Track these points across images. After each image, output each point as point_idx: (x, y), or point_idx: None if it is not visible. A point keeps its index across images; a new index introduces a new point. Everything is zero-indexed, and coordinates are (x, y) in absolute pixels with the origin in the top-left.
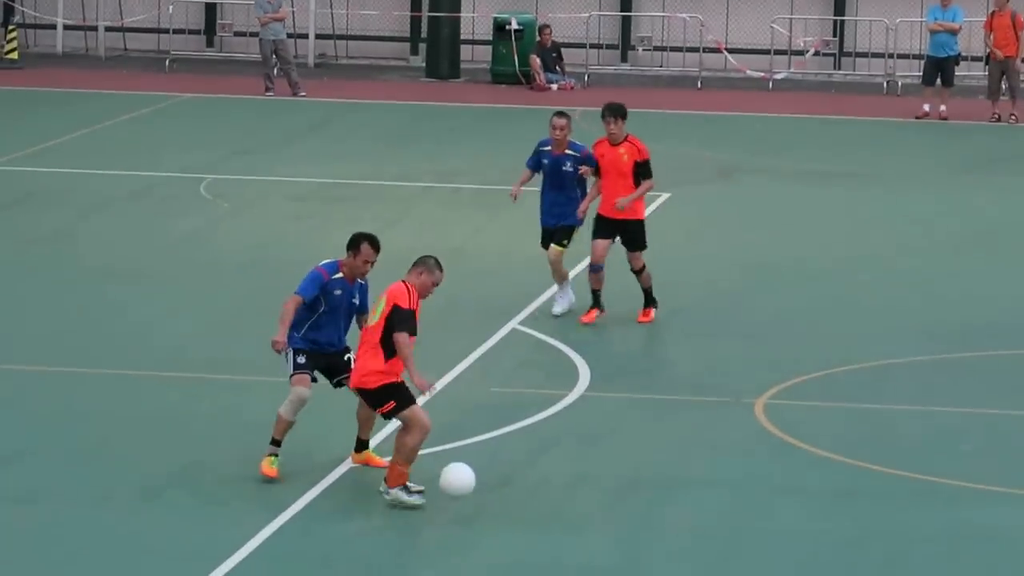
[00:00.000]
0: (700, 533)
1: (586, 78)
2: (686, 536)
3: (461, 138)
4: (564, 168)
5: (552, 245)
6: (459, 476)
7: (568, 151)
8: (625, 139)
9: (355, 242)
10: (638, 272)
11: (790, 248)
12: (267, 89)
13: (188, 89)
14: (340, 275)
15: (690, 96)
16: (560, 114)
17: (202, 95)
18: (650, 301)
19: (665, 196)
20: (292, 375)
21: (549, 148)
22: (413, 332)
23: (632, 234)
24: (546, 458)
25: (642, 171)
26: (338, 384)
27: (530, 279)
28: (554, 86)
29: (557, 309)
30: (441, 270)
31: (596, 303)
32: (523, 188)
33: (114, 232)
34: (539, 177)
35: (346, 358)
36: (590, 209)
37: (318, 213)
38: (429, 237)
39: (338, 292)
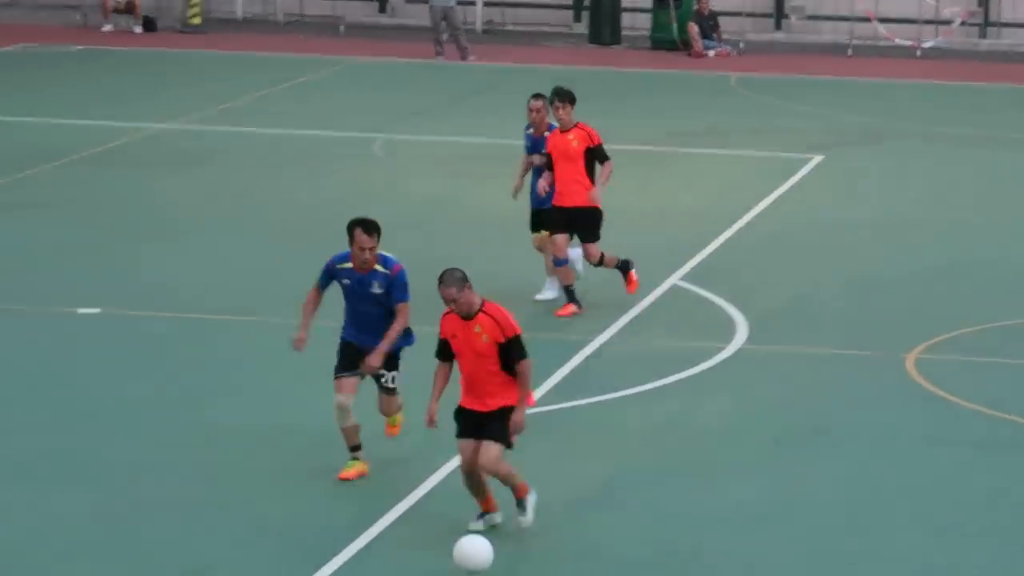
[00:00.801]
0: (851, 482)
1: (741, 45)
2: (838, 484)
3: (622, 102)
4: (543, 151)
5: (550, 233)
6: (474, 550)
7: (547, 134)
8: (575, 126)
9: (348, 230)
10: (599, 263)
11: (938, 208)
12: (437, 54)
13: (361, 53)
14: (348, 264)
15: (841, 63)
16: (536, 96)
17: (374, 59)
18: (627, 266)
19: (818, 159)
20: (334, 377)
21: (531, 131)
22: (437, 355)
23: (586, 223)
24: (704, 409)
25: (598, 155)
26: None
27: (690, 236)
28: (711, 53)
29: (549, 295)
30: (439, 285)
31: (571, 299)
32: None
33: (291, 189)
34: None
35: (380, 374)
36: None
37: (484, 172)
38: None
39: (346, 281)
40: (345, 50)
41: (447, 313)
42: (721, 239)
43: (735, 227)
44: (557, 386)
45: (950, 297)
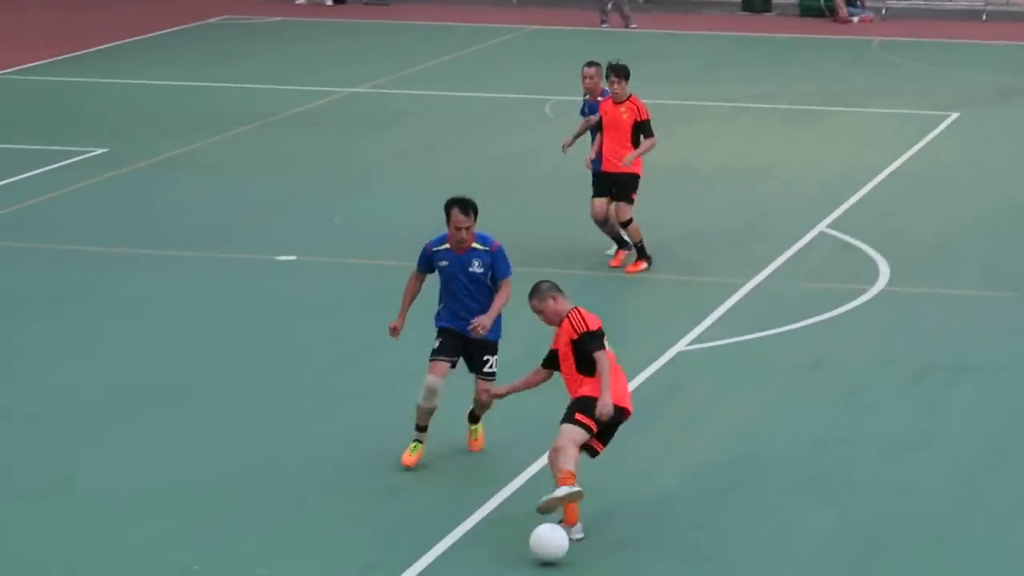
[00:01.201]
0: (987, 413)
1: (883, 12)
2: (974, 415)
3: (772, 65)
4: (597, 114)
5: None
6: (550, 540)
7: (599, 99)
8: (628, 99)
9: (445, 209)
10: (625, 224)
11: None
12: (602, 22)
13: (533, 22)
14: (446, 246)
15: (975, 28)
16: (589, 64)
17: (545, 27)
18: (642, 254)
19: (954, 116)
20: (429, 359)
21: (587, 96)
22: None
23: (622, 186)
24: (851, 345)
25: (643, 130)
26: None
27: (835, 188)
28: (855, 18)
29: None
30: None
31: (621, 245)
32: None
33: (471, 146)
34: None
35: (484, 358)
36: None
37: None
38: (744, 151)
39: (444, 263)
40: (518, 19)
41: None
42: (864, 190)
43: (877, 179)
44: (715, 324)
45: None
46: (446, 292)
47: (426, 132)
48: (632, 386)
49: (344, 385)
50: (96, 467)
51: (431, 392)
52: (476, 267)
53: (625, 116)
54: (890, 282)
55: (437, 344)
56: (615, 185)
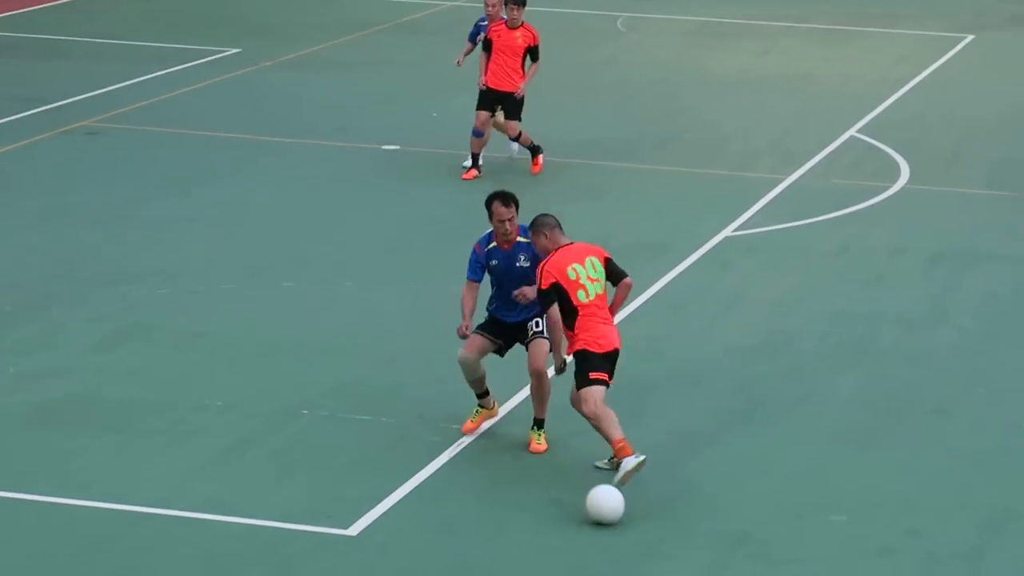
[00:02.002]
0: (990, 294)
1: None
2: (980, 296)
3: None
4: (486, 36)
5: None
6: (608, 502)
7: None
8: (521, 25)
9: (487, 206)
10: (516, 138)
11: None
12: None
13: None
14: (493, 244)
15: None
16: None
17: None
18: (537, 152)
19: (969, 38)
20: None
21: (485, 23)
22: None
23: (512, 105)
24: (873, 234)
25: (533, 54)
26: (526, 345)
27: (866, 97)
28: None
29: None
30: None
31: (475, 164)
32: (465, 57)
33: (550, 56)
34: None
35: (528, 325)
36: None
37: (705, 44)
38: (788, 65)
39: (495, 262)
40: None
41: None
42: (890, 100)
43: (902, 91)
44: (758, 213)
45: None
46: (498, 292)
47: None
48: (685, 265)
49: (440, 256)
50: (229, 322)
51: (463, 366)
52: (523, 261)
53: (520, 41)
54: (909, 181)
55: (480, 324)
56: (506, 103)
